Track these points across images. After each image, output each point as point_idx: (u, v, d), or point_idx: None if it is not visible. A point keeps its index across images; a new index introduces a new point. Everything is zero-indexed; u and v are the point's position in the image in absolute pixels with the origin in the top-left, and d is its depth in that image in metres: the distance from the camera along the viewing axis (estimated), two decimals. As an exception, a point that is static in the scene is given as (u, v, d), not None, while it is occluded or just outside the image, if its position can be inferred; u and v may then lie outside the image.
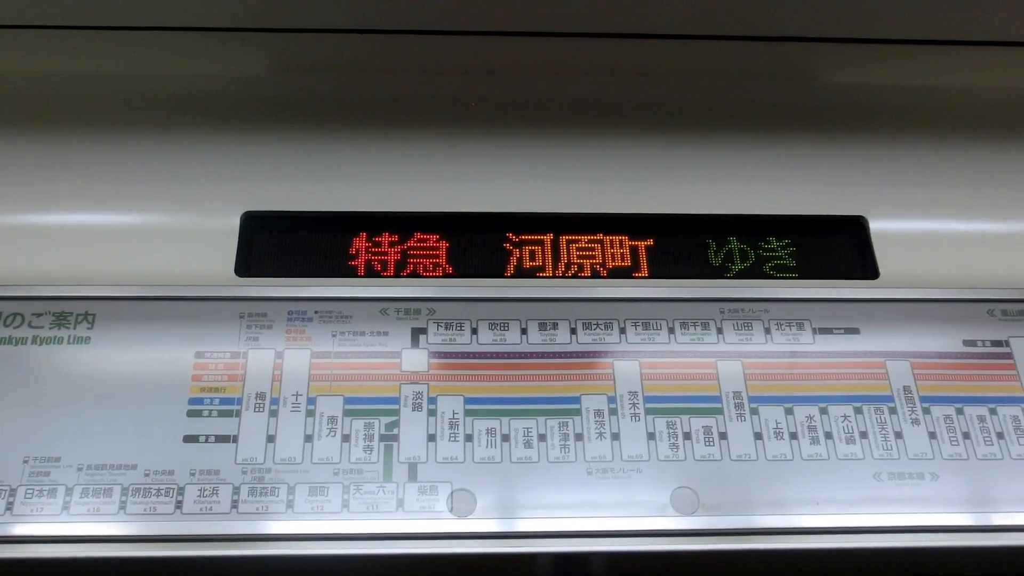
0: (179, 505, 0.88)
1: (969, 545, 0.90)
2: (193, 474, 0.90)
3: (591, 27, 1.08)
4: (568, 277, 1.05)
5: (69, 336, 0.97)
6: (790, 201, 1.11)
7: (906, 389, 0.98)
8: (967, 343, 1.02)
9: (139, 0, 1.01)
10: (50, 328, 0.97)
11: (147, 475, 0.89)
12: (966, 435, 0.96)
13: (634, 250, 1.07)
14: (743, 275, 1.06)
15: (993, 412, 0.97)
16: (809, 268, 1.07)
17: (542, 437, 0.94)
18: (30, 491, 0.88)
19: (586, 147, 1.13)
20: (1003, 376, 1.00)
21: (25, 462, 0.89)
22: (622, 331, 1.00)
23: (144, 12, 1.03)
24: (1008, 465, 0.94)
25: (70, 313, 0.98)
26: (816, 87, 1.17)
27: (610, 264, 1.06)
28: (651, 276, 1.05)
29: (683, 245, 1.08)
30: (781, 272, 1.07)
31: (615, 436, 0.94)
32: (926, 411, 0.97)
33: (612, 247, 1.07)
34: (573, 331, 1.00)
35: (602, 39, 1.09)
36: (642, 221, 1.09)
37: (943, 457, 0.95)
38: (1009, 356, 1.01)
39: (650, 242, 1.07)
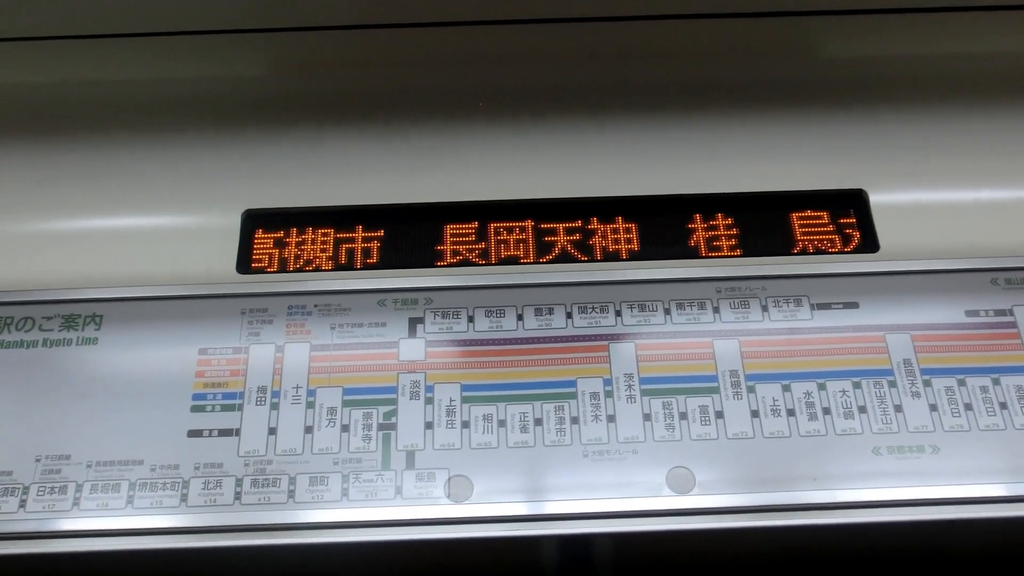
0: (184, 498, 0.91)
1: (971, 517, 0.89)
2: (197, 468, 0.92)
3: (584, 11, 1.08)
4: (562, 262, 1.05)
5: (78, 338, 1.00)
6: (789, 177, 1.10)
7: (906, 362, 0.97)
8: (969, 313, 1.00)
9: (134, 8, 1.03)
10: (59, 330, 1.00)
11: (153, 470, 0.92)
12: (968, 406, 0.95)
13: (628, 232, 1.07)
14: (740, 253, 1.06)
15: (996, 382, 0.96)
16: (808, 243, 1.06)
17: (538, 421, 0.94)
18: (42, 488, 0.91)
19: (579, 131, 1.13)
20: (1007, 345, 0.98)
21: (37, 460, 0.92)
22: (618, 313, 1.00)
23: (139, 19, 1.05)
24: (1011, 435, 0.93)
25: (78, 315, 1.01)
26: (812, 61, 1.15)
27: (605, 247, 1.06)
28: (646, 258, 1.05)
29: (679, 225, 1.07)
30: (779, 248, 1.06)
31: (611, 418, 0.94)
32: (927, 383, 0.96)
33: (606, 230, 1.07)
34: (569, 315, 1.00)
35: (593, 23, 1.09)
36: (636, 203, 1.08)
37: (944, 429, 0.94)
38: (1013, 325, 1.00)
39: (644, 223, 1.07)
